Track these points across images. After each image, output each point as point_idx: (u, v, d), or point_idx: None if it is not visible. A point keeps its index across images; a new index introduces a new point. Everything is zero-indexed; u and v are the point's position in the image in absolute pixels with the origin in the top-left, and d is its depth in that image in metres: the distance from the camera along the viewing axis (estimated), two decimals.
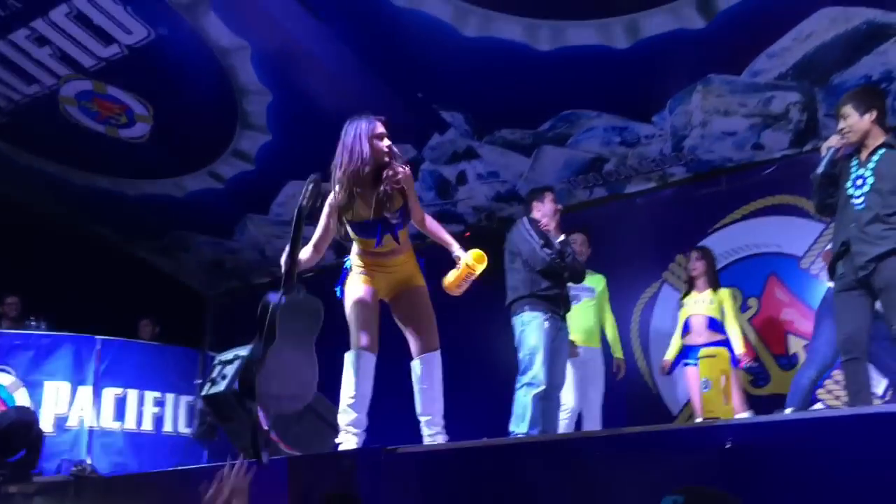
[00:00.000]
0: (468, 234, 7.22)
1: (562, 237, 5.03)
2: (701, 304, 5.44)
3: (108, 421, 7.39)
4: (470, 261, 3.68)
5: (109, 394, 7.45)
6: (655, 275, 6.49)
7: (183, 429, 7.79)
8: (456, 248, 3.80)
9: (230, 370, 4.79)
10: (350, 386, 3.67)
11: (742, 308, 6.09)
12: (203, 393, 5.16)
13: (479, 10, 5.48)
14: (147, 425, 7.62)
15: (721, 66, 5.56)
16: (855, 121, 3.77)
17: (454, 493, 3.40)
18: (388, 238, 3.73)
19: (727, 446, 2.52)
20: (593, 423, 5.40)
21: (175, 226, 8.64)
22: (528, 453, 3.15)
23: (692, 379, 5.23)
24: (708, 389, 3.00)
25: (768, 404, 5.76)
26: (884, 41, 5.15)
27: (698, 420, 4.54)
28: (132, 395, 7.56)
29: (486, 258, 3.75)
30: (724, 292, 5.46)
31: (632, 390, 6.31)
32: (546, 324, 4.75)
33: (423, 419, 3.77)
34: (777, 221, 6.04)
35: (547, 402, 4.60)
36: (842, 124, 3.82)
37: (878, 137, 3.75)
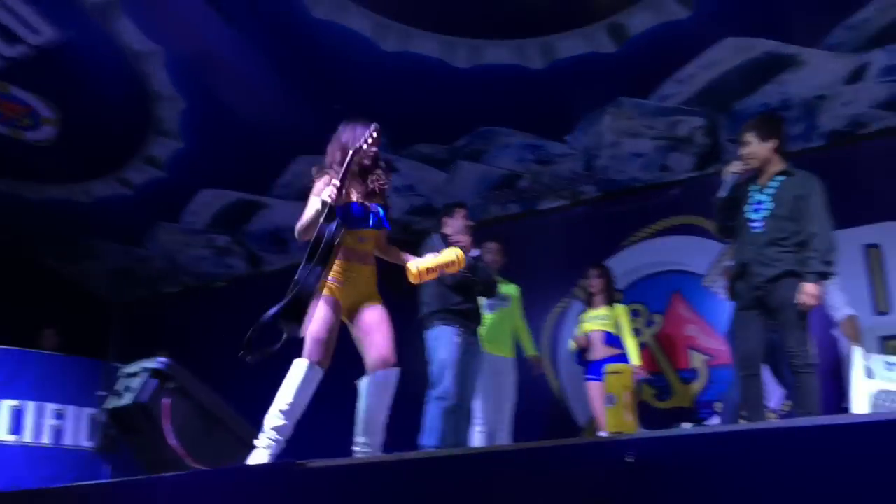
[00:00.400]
0: None
1: (475, 252, 5.08)
2: (598, 320, 5.57)
3: (2, 434, 7.09)
4: (454, 256, 3.60)
5: (5, 406, 7.15)
6: (566, 290, 6.62)
7: (84, 442, 7.52)
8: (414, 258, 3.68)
9: (135, 383, 4.67)
10: (290, 394, 3.58)
11: (647, 324, 6.30)
12: (106, 406, 5.01)
13: (397, 26, 5.54)
14: (46, 439, 7.34)
15: (631, 89, 5.76)
16: (756, 147, 3.93)
17: None
18: (369, 233, 3.58)
19: (629, 460, 2.61)
20: (504, 437, 5.46)
21: (81, 232, 8.36)
22: (438, 467, 3.18)
23: (595, 394, 5.35)
24: (612, 405, 3.10)
25: (670, 418, 5.97)
26: (782, 71, 5.42)
27: (602, 434, 4.66)
28: (30, 407, 7.27)
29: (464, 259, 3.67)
30: (620, 308, 5.62)
31: (542, 405, 6.43)
32: (457, 338, 4.80)
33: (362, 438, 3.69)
34: (681, 240, 6.26)
35: (457, 415, 4.65)
36: (743, 150, 3.98)
37: (778, 164, 3.93)
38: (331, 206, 3.36)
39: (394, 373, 3.69)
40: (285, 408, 3.58)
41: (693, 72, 5.50)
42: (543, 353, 6.64)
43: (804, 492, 2.42)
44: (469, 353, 4.88)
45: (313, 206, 3.48)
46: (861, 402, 4.07)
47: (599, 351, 5.53)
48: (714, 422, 5.83)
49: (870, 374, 4.15)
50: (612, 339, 5.56)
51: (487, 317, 5.49)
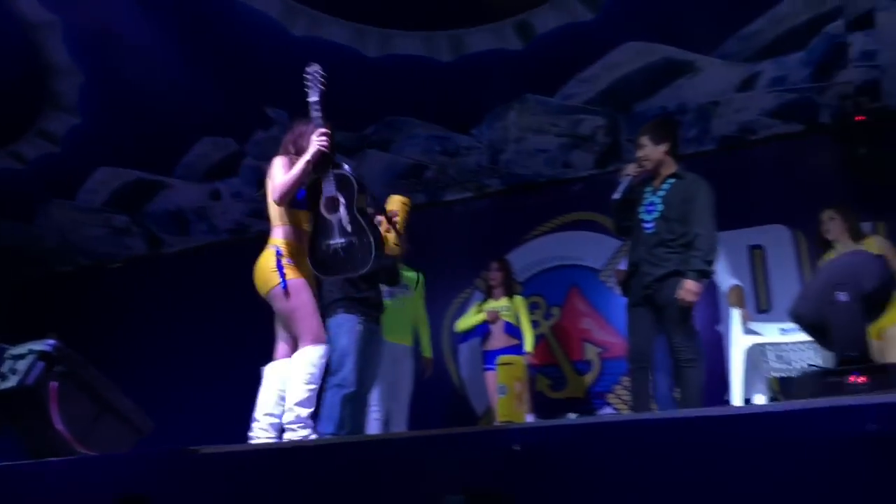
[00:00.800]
0: None
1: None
2: (498, 311, 5.69)
3: None
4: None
5: None
6: (468, 281, 6.74)
7: None
8: None
9: (21, 365, 4.50)
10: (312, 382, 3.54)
11: (546, 316, 6.47)
12: None
13: (308, 11, 5.49)
14: None
15: (536, 86, 5.88)
16: (650, 150, 4.06)
17: (258, 494, 3.40)
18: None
19: (515, 448, 2.71)
20: (400, 425, 5.52)
21: None
22: (333, 454, 3.21)
23: (492, 383, 5.47)
24: (504, 395, 3.19)
25: (565, 407, 6.16)
26: (680, 76, 5.64)
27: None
28: None
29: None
30: (519, 300, 5.75)
31: (441, 393, 6.52)
32: (360, 326, 4.81)
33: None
34: (581, 236, 6.45)
35: (355, 403, 4.67)
36: (638, 153, 4.12)
37: (670, 167, 4.07)
38: (326, 154, 3.56)
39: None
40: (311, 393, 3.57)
41: (596, 73, 5.66)
42: (444, 342, 6.75)
43: (680, 480, 2.57)
44: (371, 342, 4.91)
45: (300, 165, 3.53)
46: (738, 357, 4.33)
47: (499, 341, 5.65)
48: (605, 412, 6.06)
49: (747, 331, 4.50)
50: (512, 329, 5.68)
51: (387, 304, 5.52)
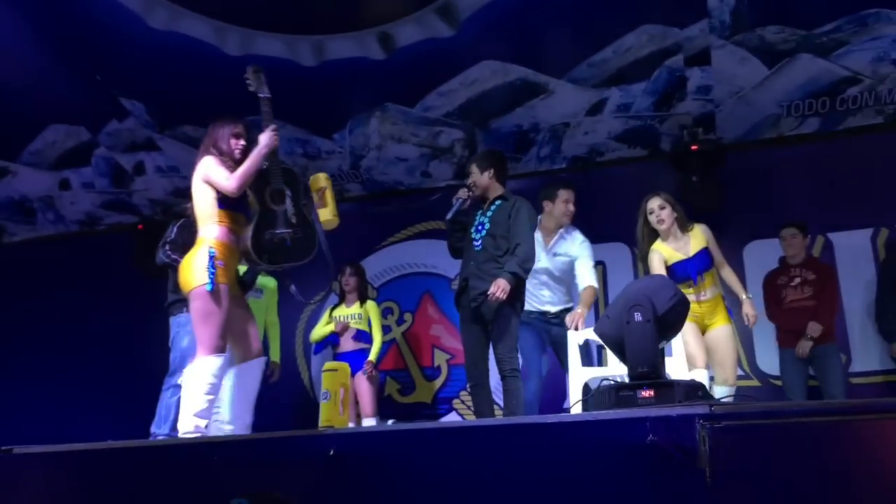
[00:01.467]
0: (141, 226, 7.02)
1: None
2: (350, 318, 5.75)
3: None
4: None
5: None
6: (323, 286, 6.75)
7: None
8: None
9: None
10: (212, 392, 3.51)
11: (398, 321, 6.58)
12: None
13: (167, 5, 5.40)
14: None
15: (397, 97, 6.00)
16: (478, 177, 4.43)
17: (80, 496, 3.34)
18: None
19: (331, 453, 2.79)
20: (244, 430, 5.47)
21: None
22: (160, 456, 3.20)
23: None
24: (326, 400, 3.27)
25: (411, 411, 6.30)
26: (534, 97, 5.88)
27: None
28: None
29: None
30: (371, 305, 5.83)
31: (294, 400, 6.53)
32: None
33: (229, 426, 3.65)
34: (436, 244, 6.56)
35: None
36: (468, 179, 4.47)
37: (497, 191, 4.43)
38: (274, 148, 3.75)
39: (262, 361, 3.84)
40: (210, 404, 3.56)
41: (455, 87, 5.83)
42: (298, 345, 6.75)
43: (486, 484, 2.72)
44: None
45: (254, 156, 3.70)
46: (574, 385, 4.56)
47: (348, 345, 5.71)
48: (450, 417, 6.23)
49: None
50: (363, 336, 5.75)
51: None
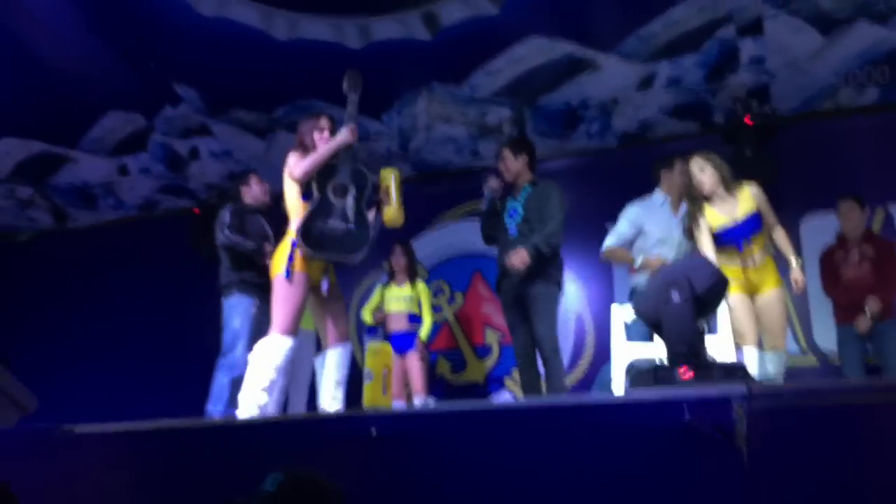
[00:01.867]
0: (197, 210, 7.17)
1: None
2: (402, 300, 5.75)
3: None
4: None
5: None
6: (375, 265, 6.82)
7: None
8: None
9: None
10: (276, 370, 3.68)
11: (449, 301, 6.62)
12: None
13: None
14: None
15: (444, 76, 5.99)
16: (511, 162, 4.45)
17: (137, 473, 3.46)
18: None
19: (374, 434, 2.84)
20: (299, 408, 5.59)
21: None
22: (201, 436, 3.29)
23: (396, 365, 5.56)
24: (370, 381, 3.32)
25: (464, 391, 6.35)
26: (581, 73, 5.81)
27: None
28: None
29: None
30: (422, 286, 5.83)
31: (350, 378, 6.61)
32: (254, 309, 4.83)
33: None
34: None
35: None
36: (500, 164, 4.48)
37: (527, 177, 4.46)
38: (350, 145, 3.84)
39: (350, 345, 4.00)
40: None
41: (501, 66, 5.79)
42: (351, 327, 6.83)
43: (527, 465, 2.73)
44: (264, 324, 4.94)
45: (325, 148, 3.79)
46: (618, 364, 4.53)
47: (399, 323, 5.75)
48: (503, 395, 6.25)
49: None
50: (415, 319, 5.78)
51: None
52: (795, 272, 4.23)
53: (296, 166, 3.78)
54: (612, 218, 5.98)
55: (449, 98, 6.14)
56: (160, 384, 6.46)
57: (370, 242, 3.76)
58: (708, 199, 4.23)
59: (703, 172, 4.20)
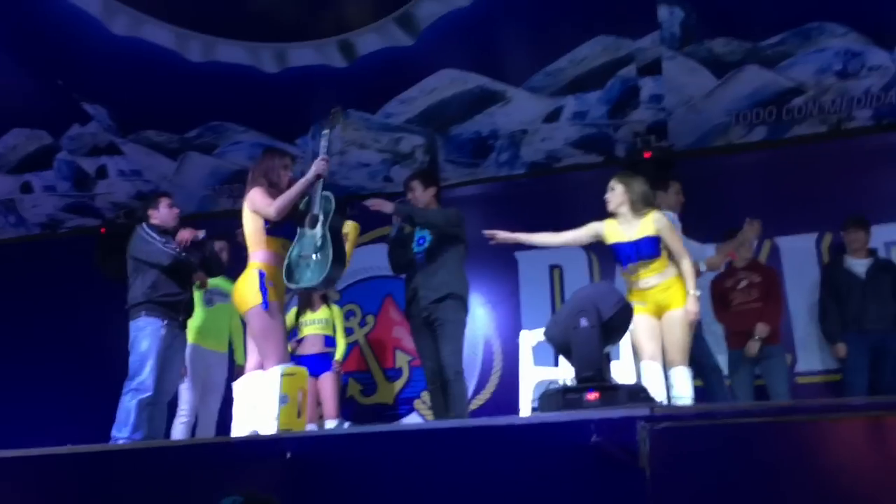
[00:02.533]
0: (104, 230, 7.04)
1: (201, 234, 5.02)
2: (317, 324, 5.80)
3: None
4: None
5: None
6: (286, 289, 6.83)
7: None
8: None
9: None
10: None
11: (361, 324, 6.69)
12: None
13: (128, 10, 5.44)
14: None
15: (359, 103, 6.10)
16: (420, 193, 4.70)
17: (43, 501, 3.40)
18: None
19: (288, 456, 2.90)
20: (208, 430, 5.53)
21: None
22: (115, 459, 3.28)
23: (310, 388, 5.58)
24: (285, 404, 3.37)
25: (372, 413, 6.41)
26: (492, 104, 6.02)
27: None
28: None
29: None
30: (336, 309, 5.90)
31: None
32: (162, 330, 4.73)
33: None
34: None
35: (153, 407, 4.62)
36: (409, 194, 4.72)
37: (434, 207, 4.73)
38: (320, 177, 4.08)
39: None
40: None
41: (415, 95, 5.95)
42: None
43: (435, 485, 2.84)
44: (174, 346, 4.88)
45: (299, 184, 4.04)
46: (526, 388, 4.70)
47: (313, 347, 5.77)
48: (411, 418, 6.35)
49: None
50: (330, 342, 5.81)
51: (205, 311, 5.58)
52: (690, 302, 4.24)
53: (269, 205, 3.96)
54: (519, 244, 6.25)
55: (363, 124, 6.25)
56: (65, 409, 6.28)
57: (331, 263, 3.92)
58: (613, 215, 4.43)
59: (613, 191, 4.44)
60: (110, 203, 7.16)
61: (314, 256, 3.90)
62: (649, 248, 4.31)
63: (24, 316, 7.04)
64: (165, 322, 4.75)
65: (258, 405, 3.73)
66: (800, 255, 5.87)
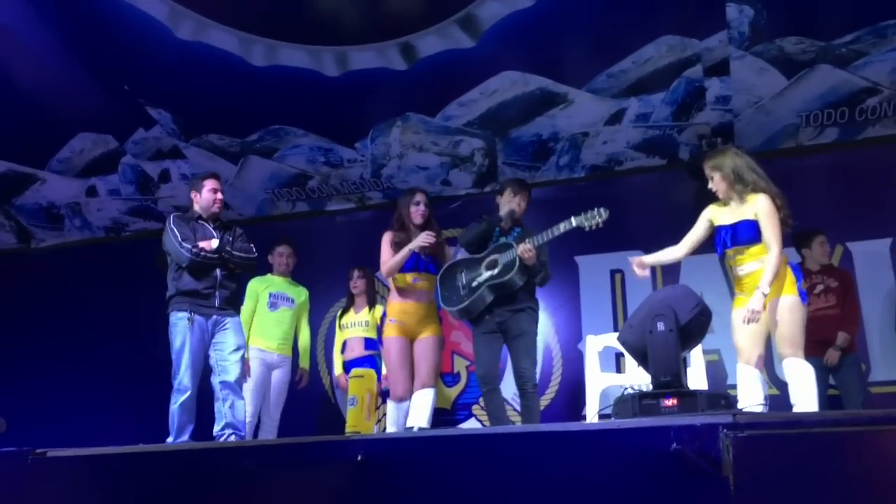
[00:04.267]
0: None
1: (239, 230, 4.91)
2: (358, 326, 5.79)
3: None
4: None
5: None
6: (347, 290, 6.84)
7: None
8: None
9: None
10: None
11: None
12: None
13: (194, 16, 5.50)
14: None
15: (418, 106, 6.08)
16: (525, 204, 4.65)
17: (106, 499, 3.43)
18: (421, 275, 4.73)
19: (359, 459, 2.87)
20: (271, 433, 5.55)
21: None
22: (176, 462, 3.28)
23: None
24: (353, 406, 3.34)
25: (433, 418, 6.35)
26: (553, 107, 5.95)
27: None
28: None
29: None
30: (379, 310, 5.80)
31: (314, 402, 6.61)
32: (191, 324, 4.50)
33: None
34: (455, 252, 6.64)
35: (224, 396, 4.39)
36: (519, 203, 4.61)
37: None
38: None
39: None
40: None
41: (475, 97, 5.90)
42: (319, 351, 6.83)
43: (512, 490, 2.78)
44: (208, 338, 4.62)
45: (405, 250, 4.62)
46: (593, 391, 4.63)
47: (354, 351, 5.77)
48: (469, 424, 6.29)
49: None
50: (371, 344, 5.78)
51: (267, 314, 5.62)
52: (753, 301, 3.70)
53: (384, 263, 4.67)
54: (579, 248, 6.17)
55: (422, 127, 6.23)
56: (128, 409, 6.37)
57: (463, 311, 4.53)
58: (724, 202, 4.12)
59: (713, 178, 4.11)
60: (172, 206, 7.21)
61: (464, 289, 4.38)
62: (746, 233, 3.92)
63: (89, 319, 7.16)
64: (194, 315, 4.53)
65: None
66: (873, 261, 5.66)
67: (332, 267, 6.86)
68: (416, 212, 4.74)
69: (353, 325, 5.81)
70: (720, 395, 2.79)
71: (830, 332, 5.04)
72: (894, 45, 5.18)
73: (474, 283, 4.34)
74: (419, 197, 4.81)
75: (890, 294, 5.46)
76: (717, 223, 4.06)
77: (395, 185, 6.77)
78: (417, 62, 5.65)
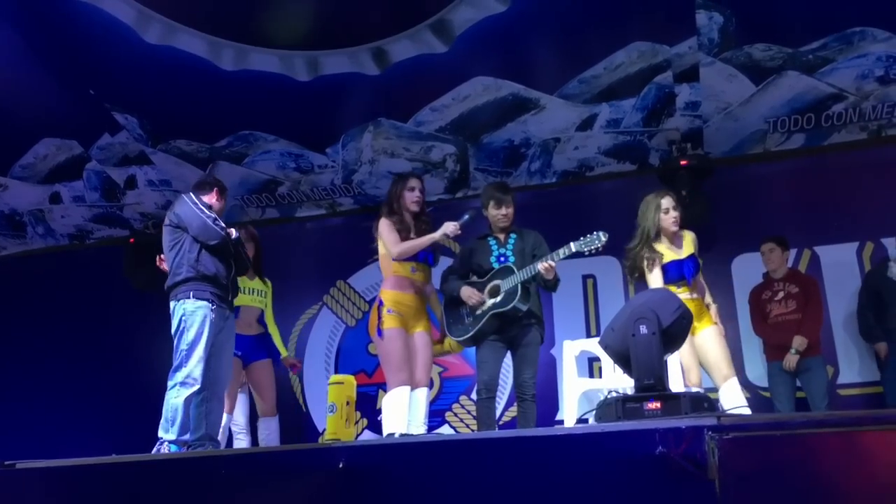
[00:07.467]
0: (133, 240, 7.01)
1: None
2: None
3: None
4: None
5: None
6: (317, 297, 6.79)
7: None
8: None
9: None
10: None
11: None
12: None
13: (162, 19, 5.42)
14: None
15: (390, 111, 6.06)
16: (512, 211, 4.52)
17: None
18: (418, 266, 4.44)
19: (340, 466, 2.82)
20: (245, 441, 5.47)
21: None
22: (150, 472, 3.19)
23: None
24: (333, 413, 3.30)
25: None
26: (525, 112, 5.96)
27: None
28: None
29: None
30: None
31: (283, 409, 6.51)
32: (213, 314, 4.22)
33: None
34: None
35: (210, 403, 4.21)
36: (504, 212, 4.46)
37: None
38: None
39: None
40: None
41: (447, 103, 5.90)
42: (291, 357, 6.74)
43: (493, 495, 2.76)
44: (225, 332, 4.41)
45: (427, 238, 4.35)
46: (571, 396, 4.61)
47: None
48: (443, 430, 6.26)
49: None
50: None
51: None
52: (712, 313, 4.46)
53: (394, 245, 4.31)
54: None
55: (394, 133, 6.20)
56: (96, 418, 6.25)
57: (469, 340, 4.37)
58: (662, 234, 4.49)
59: (677, 210, 4.50)
60: (139, 214, 7.13)
61: (468, 318, 4.27)
62: (697, 264, 4.42)
63: (53, 327, 7.02)
64: (215, 305, 4.23)
65: (386, 424, 4.04)
66: (840, 265, 5.75)
67: (301, 274, 6.82)
68: (411, 198, 4.48)
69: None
70: (703, 397, 2.79)
71: (790, 336, 5.14)
72: (860, 52, 5.27)
73: (478, 312, 4.24)
74: (414, 182, 4.54)
75: (856, 297, 5.54)
76: (668, 259, 4.43)
77: (367, 190, 6.74)
78: (390, 67, 5.62)
